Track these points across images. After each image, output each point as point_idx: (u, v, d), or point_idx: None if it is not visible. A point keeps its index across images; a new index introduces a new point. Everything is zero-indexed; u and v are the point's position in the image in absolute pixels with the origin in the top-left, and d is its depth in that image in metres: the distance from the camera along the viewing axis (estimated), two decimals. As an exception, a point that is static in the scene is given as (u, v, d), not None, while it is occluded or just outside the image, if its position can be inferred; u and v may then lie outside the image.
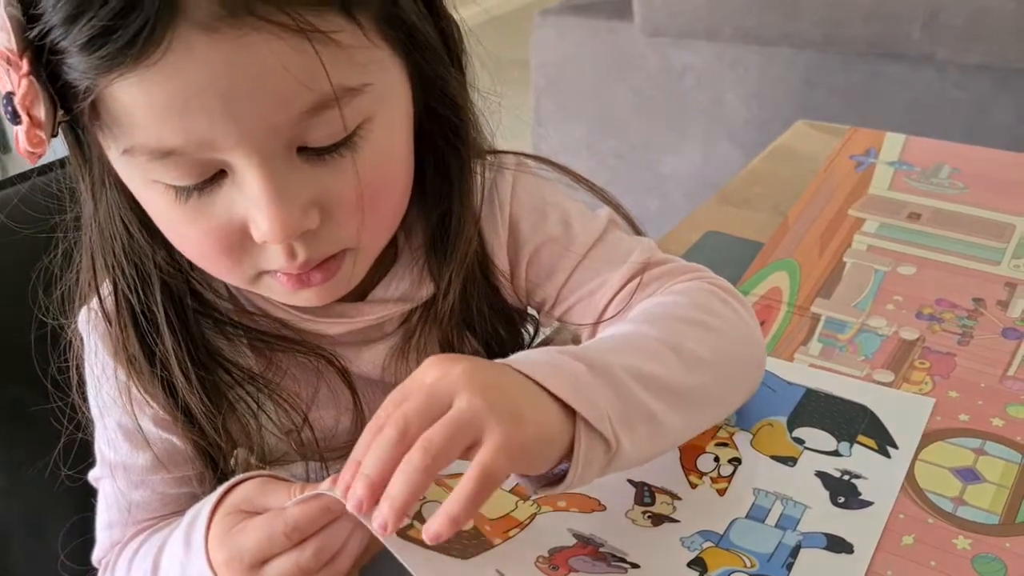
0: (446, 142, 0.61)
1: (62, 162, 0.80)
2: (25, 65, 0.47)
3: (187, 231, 0.53)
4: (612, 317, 0.65)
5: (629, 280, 0.65)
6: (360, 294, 0.64)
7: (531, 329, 0.75)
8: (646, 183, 2.00)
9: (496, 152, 0.67)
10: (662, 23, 1.83)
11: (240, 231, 0.52)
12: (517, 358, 0.52)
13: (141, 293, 0.58)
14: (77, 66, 0.47)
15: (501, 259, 0.67)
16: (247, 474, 0.58)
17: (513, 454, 0.47)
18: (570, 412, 0.50)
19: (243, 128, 0.48)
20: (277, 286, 0.56)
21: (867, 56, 1.69)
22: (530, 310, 0.73)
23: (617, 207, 0.70)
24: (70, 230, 0.62)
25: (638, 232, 0.71)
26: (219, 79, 0.46)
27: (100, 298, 0.60)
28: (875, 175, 0.98)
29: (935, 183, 0.96)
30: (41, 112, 0.48)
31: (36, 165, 0.80)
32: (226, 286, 0.63)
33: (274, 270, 0.55)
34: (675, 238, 0.89)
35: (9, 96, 0.48)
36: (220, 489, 0.57)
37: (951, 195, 0.94)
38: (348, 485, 0.48)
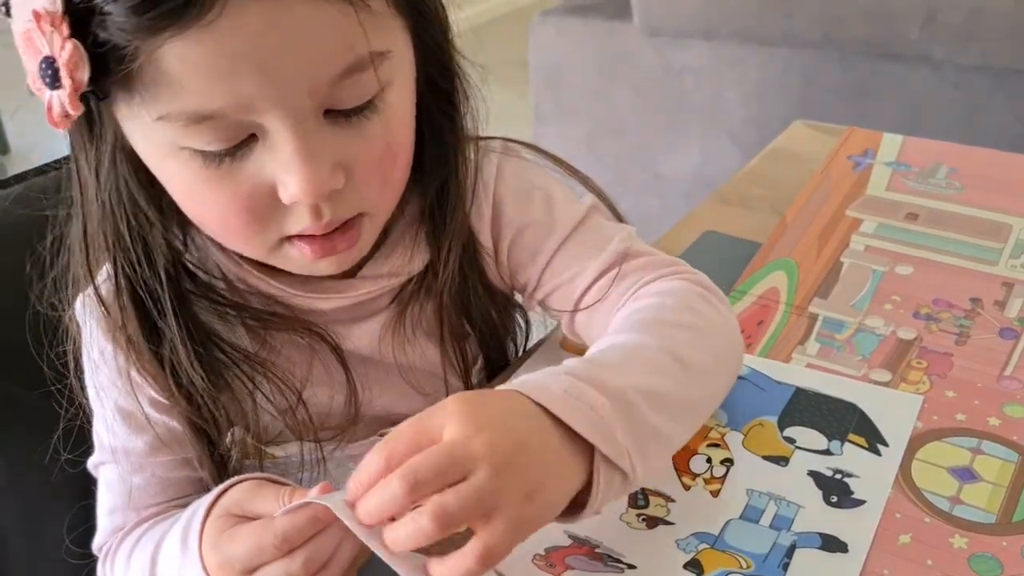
0: (442, 112, 0.63)
1: (57, 163, 0.80)
2: (66, 28, 0.47)
3: (212, 198, 0.54)
4: (590, 306, 0.66)
5: (608, 268, 0.66)
6: (351, 271, 0.65)
7: (521, 321, 0.76)
8: (645, 182, 2.00)
9: (483, 138, 0.68)
10: (661, 23, 1.83)
11: (268, 194, 0.54)
12: (535, 384, 0.52)
13: (146, 269, 0.59)
14: (126, 27, 0.47)
15: (485, 237, 0.68)
16: (240, 476, 0.59)
17: (521, 531, 0.47)
18: (586, 443, 0.50)
19: (284, 89, 0.50)
20: (297, 255, 0.58)
21: (865, 56, 1.69)
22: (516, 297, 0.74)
23: (599, 193, 0.72)
24: (62, 223, 0.62)
25: (620, 219, 0.72)
26: (269, 41, 0.48)
27: (95, 285, 0.61)
28: (872, 175, 0.98)
29: (932, 183, 0.96)
30: (85, 75, 0.48)
31: (33, 166, 0.81)
32: (219, 267, 0.63)
33: (297, 234, 0.56)
34: (673, 238, 0.89)
35: (49, 60, 0.48)
36: (215, 491, 0.58)
37: (948, 195, 0.94)
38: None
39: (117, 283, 0.59)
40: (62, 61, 0.48)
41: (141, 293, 0.59)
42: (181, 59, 0.48)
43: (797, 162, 1.02)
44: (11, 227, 0.77)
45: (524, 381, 0.52)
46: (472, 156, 0.66)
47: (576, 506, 0.51)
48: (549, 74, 2.04)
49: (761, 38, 1.76)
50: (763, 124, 1.82)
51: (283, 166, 0.52)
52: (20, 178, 0.81)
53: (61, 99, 0.49)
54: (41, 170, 0.81)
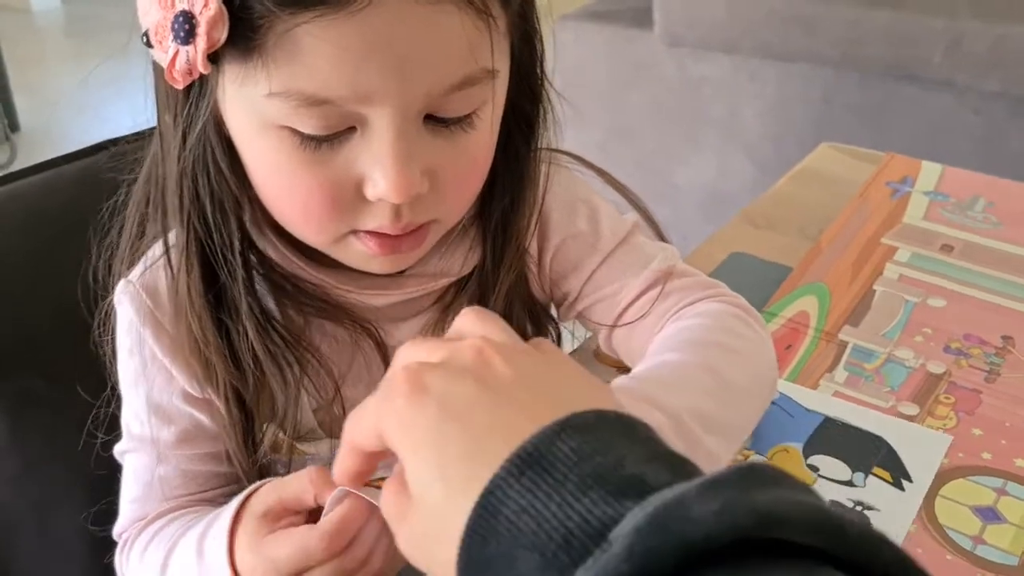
0: (520, 132, 0.63)
1: (73, 155, 0.79)
2: None
3: (299, 181, 0.54)
4: (631, 322, 0.66)
5: (651, 287, 0.66)
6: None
7: (554, 333, 0.75)
8: (659, 192, 1.99)
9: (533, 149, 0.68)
10: (681, 33, 1.82)
11: (353, 186, 0.53)
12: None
13: (222, 233, 0.58)
14: None
15: (531, 245, 0.68)
16: (256, 484, 0.58)
17: None
18: None
19: (404, 87, 0.50)
20: (360, 248, 0.57)
21: (885, 77, 1.69)
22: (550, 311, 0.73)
23: (643, 211, 0.72)
24: (118, 206, 0.61)
25: (662, 238, 0.72)
26: (406, 38, 0.48)
27: (168, 251, 0.60)
28: (910, 204, 0.97)
29: (969, 216, 0.95)
30: (222, 36, 0.48)
31: (50, 157, 0.79)
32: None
33: (369, 230, 0.56)
34: (700, 257, 0.88)
35: (188, 15, 0.48)
36: (236, 500, 0.57)
37: (984, 229, 0.93)
38: None
39: (187, 247, 0.58)
40: (204, 18, 0.47)
41: (212, 258, 0.58)
42: (317, 40, 0.48)
43: (824, 185, 1.02)
44: (29, 218, 0.76)
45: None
46: (542, 176, 0.65)
47: None
48: (566, 79, 2.02)
49: (782, 54, 1.75)
50: (779, 140, 1.82)
51: (377, 162, 0.52)
52: (39, 168, 0.80)
53: (190, 55, 0.49)
54: (68, 158, 0.80)
